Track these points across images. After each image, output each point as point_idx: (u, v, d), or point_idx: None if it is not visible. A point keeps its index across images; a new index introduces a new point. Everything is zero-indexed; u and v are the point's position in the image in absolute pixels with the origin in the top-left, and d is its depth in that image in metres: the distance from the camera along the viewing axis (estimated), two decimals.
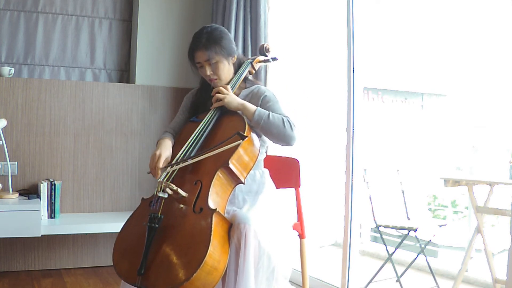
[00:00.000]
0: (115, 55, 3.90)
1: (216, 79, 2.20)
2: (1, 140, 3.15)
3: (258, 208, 2.02)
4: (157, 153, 2.04)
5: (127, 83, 3.86)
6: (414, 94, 12.27)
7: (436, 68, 11.78)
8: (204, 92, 2.32)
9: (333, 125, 4.30)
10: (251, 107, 2.09)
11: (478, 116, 10.82)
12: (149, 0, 3.78)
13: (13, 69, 3.42)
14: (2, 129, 3.17)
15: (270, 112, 2.08)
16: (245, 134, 1.95)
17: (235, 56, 2.27)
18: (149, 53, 3.80)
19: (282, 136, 2.07)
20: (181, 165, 1.96)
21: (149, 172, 2.05)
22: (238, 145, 1.91)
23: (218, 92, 2.12)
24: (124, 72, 3.94)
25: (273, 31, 3.42)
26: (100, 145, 3.61)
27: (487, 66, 10.51)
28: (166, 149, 2.08)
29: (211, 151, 1.92)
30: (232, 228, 1.87)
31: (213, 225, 1.79)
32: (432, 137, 11.10)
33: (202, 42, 2.18)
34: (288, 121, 2.09)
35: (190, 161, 1.95)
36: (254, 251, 1.85)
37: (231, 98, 2.10)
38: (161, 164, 2.01)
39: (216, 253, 1.76)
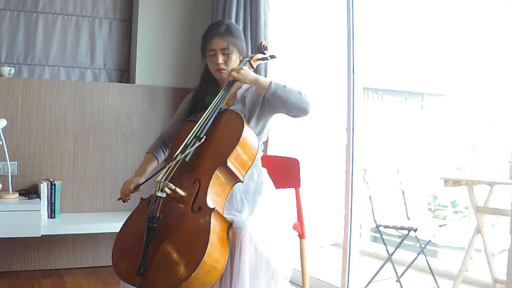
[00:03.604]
0: (115, 55, 3.90)
1: (224, 69, 2.22)
2: (1, 140, 3.15)
3: (256, 212, 2.01)
4: (129, 180, 2.16)
5: (127, 83, 3.86)
6: (414, 94, 12.27)
7: (436, 68, 11.79)
8: (204, 87, 2.32)
9: (333, 125, 4.30)
10: (266, 79, 2.14)
11: (478, 116, 10.82)
12: (149, 0, 3.78)
13: (13, 69, 3.42)
14: (2, 129, 3.17)
15: (285, 84, 2.12)
16: (243, 130, 1.97)
17: (243, 56, 2.31)
18: (149, 53, 3.80)
19: (300, 102, 2.10)
20: (173, 163, 1.96)
21: (119, 199, 2.15)
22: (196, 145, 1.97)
23: (234, 69, 2.15)
24: (124, 72, 3.94)
25: (273, 31, 3.41)
26: (100, 145, 3.61)
27: (487, 66, 10.51)
28: (137, 178, 2.18)
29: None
30: (228, 233, 1.87)
31: (211, 224, 1.79)
32: (432, 137, 11.10)
33: (222, 30, 2.22)
34: (301, 92, 2.13)
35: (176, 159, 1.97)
36: (250, 256, 1.84)
37: (246, 72, 2.13)
38: (131, 187, 2.11)
39: (215, 252, 1.76)
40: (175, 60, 3.86)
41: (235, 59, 2.24)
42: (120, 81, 3.92)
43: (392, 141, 10.48)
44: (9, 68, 3.39)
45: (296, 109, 2.12)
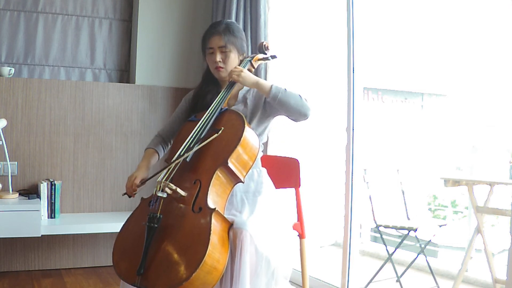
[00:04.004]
0: (115, 55, 3.90)
1: (222, 67, 2.22)
2: (1, 140, 3.15)
3: (257, 212, 2.01)
4: (134, 174, 2.12)
5: (127, 83, 3.86)
6: (414, 94, 12.27)
7: (436, 68, 11.79)
8: (205, 86, 2.32)
9: (333, 125, 4.30)
10: (267, 82, 2.14)
11: (478, 116, 10.82)
12: (149, 0, 3.78)
13: (13, 69, 3.42)
14: (2, 129, 3.17)
15: (286, 87, 2.13)
16: (243, 130, 1.97)
17: (243, 55, 2.31)
18: (149, 53, 3.80)
19: (300, 107, 2.11)
20: (175, 162, 1.95)
21: (124, 194, 2.11)
22: (215, 137, 1.97)
23: (234, 71, 2.16)
24: (124, 72, 3.94)
25: (273, 31, 3.41)
26: (100, 145, 3.61)
27: (487, 66, 10.51)
28: (142, 171, 2.15)
29: (204, 141, 1.97)
30: (229, 233, 1.87)
31: (212, 225, 1.78)
32: (432, 137, 11.10)
33: (221, 29, 2.24)
34: (302, 96, 2.14)
35: (183, 157, 1.96)
36: (250, 257, 1.84)
37: (246, 74, 2.14)
38: (137, 182, 2.08)
39: (215, 253, 1.76)
40: (175, 60, 3.86)
41: (233, 58, 2.24)
42: (120, 81, 3.92)
43: (392, 141, 10.48)
44: (9, 68, 3.39)
45: (296, 113, 2.12)
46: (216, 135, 1.97)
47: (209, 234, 1.76)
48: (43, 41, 3.66)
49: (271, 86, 2.11)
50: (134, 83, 3.78)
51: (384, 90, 11.72)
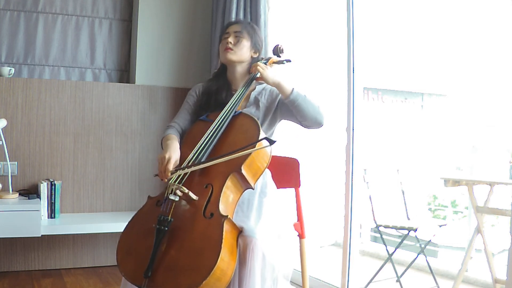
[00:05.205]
0: (115, 55, 3.90)
1: (231, 49, 2.22)
2: (1, 140, 3.15)
3: (264, 217, 1.98)
4: (166, 156, 1.96)
5: (127, 83, 3.86)
6: (414, 94, 12.27)
7: (436, 68, 11.79)
8: (215, 82, 2.31)
9: (333, 125, 4.29)
10: (288, 84, 2.13)
11: (478, 116, 10.82)
12: (149, 0, 3.78)
13: (13, 69, 3.42)
14: (2, 129, 3.16)
15: (306, 94, 2.13)
16: (259, 137, 1.92)
17: (257, 54, 2.31)
18: (149, 53, 3.80)
19: (316, 114, 2.14)
20: (194, 168, 1.90)
21: (156, 175, 1.99)
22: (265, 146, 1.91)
23: (259, 64, 2.17)
24: (124, 72, 3.94)
25: (273, 31, 3.41)
26: (100, 145, 3.61)
27: (487, 66, 10.51)
28: (175, 152, 2.00)
29: (236, 153, 1.86)
30: (238, 240, 1.84)
31: (224, 233, 1.75)
32: (432, 137, 11.10)
33: (242, 20, 2.37)
34: (320, 106, 2.16)
35: (206, 164, 1.89)
36: (258, 264, 1.82)
37: (270, 72, 2.15)
38: (171, 167, 1.94)
39: (225, 260, 1.73)
40: (175, 60, 3.86)
41: (245, 46, 2.24)
42: (120, 81, 3.92)
43: (392, 141, 10.48)
44: (9, 68, 3.39)
45: (311, 120, 2.14)
46: (259, 147, 1.89)
47: (221, 241, 1.72)
48: (43, 41, 3.66)
49: (293, 89, 2.11)
50: (134, 83, 3.78)
51: (384, 90, 11.72)
